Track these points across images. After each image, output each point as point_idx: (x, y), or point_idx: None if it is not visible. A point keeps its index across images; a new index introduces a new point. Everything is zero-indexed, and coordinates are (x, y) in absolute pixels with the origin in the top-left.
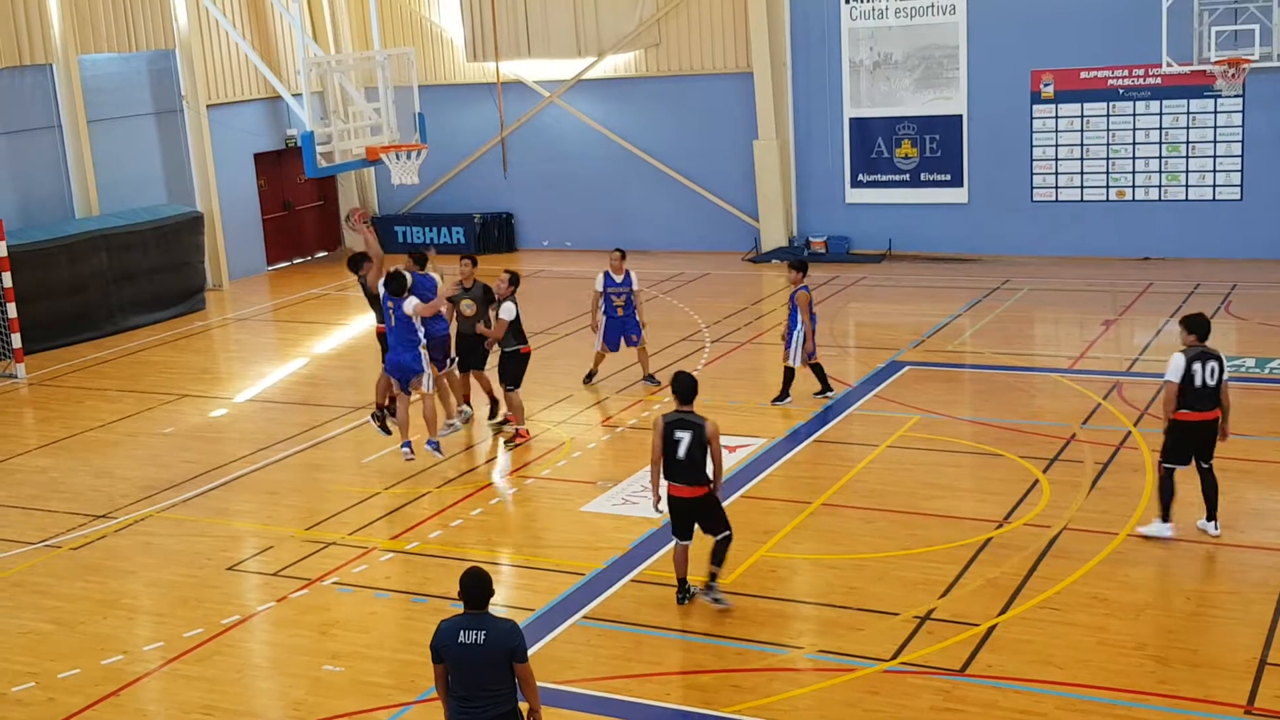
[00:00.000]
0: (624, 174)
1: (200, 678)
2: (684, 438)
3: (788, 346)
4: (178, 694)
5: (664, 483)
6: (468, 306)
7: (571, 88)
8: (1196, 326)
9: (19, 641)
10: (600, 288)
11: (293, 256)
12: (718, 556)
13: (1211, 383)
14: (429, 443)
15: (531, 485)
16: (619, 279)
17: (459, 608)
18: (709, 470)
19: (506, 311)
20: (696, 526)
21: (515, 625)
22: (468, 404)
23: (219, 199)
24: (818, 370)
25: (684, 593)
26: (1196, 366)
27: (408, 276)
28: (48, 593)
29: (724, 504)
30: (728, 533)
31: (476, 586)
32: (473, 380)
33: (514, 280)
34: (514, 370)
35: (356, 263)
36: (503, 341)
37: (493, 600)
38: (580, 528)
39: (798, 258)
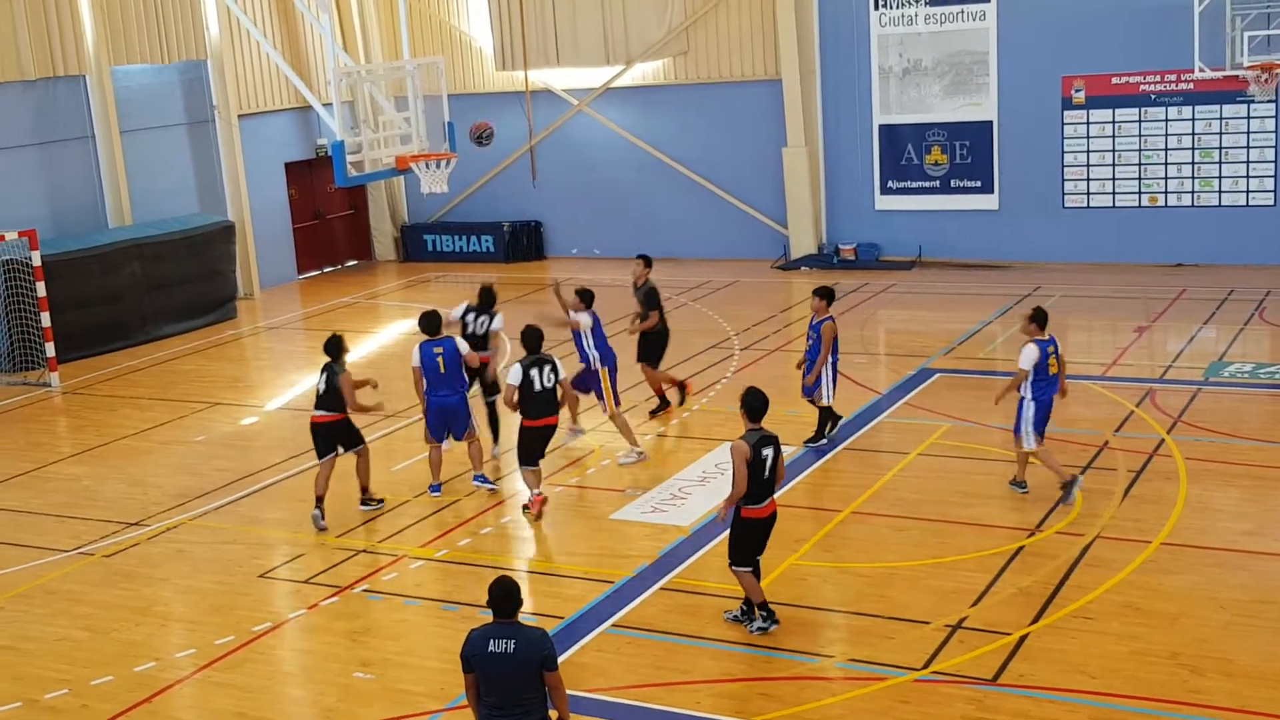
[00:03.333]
0: (653, 182)
1: (232, 685)
2: (769, 454)
3: (817, 385)
4: (209, 701)
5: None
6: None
7: (600, 96)
8: None
9: (53, 648)
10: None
11: (323, 265)
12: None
13: None
14: (476, 478)
15: (560, 493)
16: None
17: (489, 615)
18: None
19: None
20: None
21: (545, 634)
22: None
23: (250, 208)
24: (827, 414)
25: (771, 617)
26: None
27: (441, 315)
28: (81, 600)
29: None
30: None
31: (505, 596)
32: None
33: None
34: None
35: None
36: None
37: (522, 608)
38: (609, 536)
39: (825, 285)
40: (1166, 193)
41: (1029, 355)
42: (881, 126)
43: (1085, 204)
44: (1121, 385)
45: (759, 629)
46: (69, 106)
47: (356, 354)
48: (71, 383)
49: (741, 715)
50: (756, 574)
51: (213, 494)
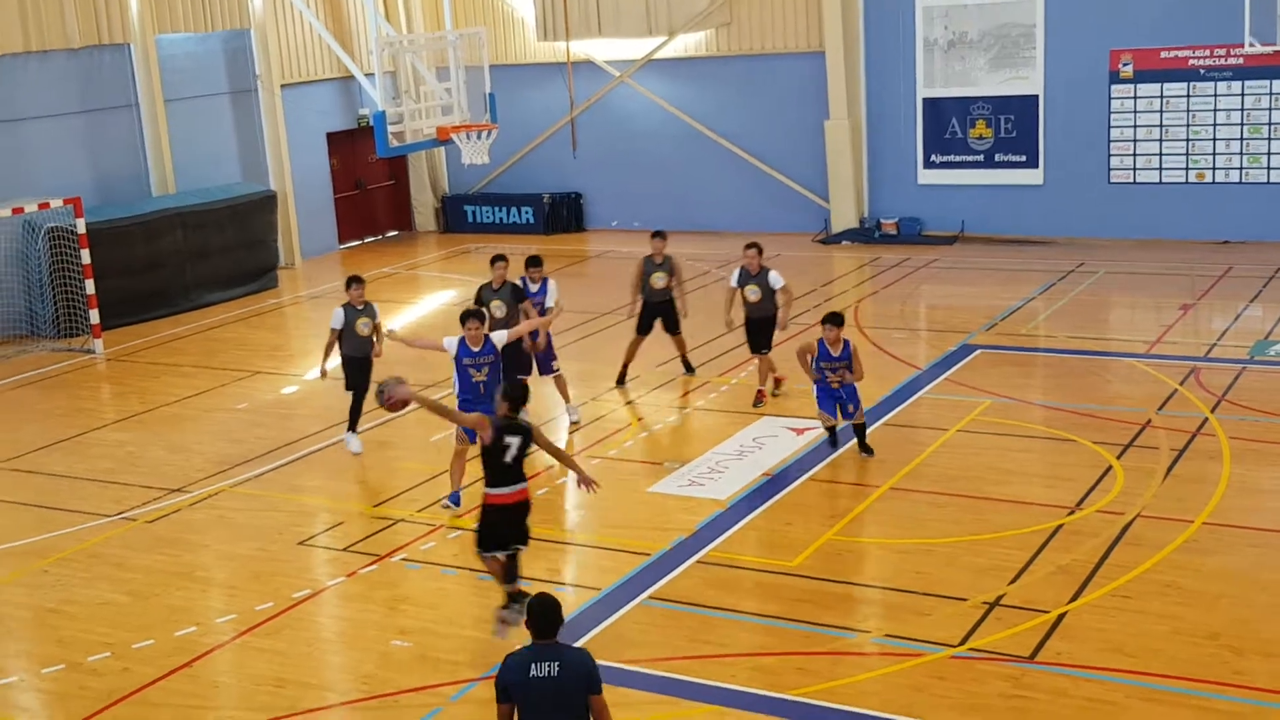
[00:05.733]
0: (693, 154)
1: (271, 650)
2: (513, 442)
3: (858, 403)
4: (249, 666)
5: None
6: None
7: (642, 67)
8: None
9: (96, 612)
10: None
11: (364, 235)
12: None
13: None
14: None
15: (598, 465)
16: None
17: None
18: None
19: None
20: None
21: (588, 653)
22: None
23: (292, 178)
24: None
25: None
26: None
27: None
28: (123, 564)
29: (790, 488)
30: None
31: (546, 614)
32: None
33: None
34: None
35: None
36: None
37: (558, 577)
38: (647, 508)
39: (835, 311)
40: (1214, 169)
41: None
42: (925, 100)
43: (1131, 179)
44: (1165, 363)
45: None
46: (114, 75)
47: (396, 324)
48: (115, 350)
49: (776, 689)
50: None
51: (253, 461)
